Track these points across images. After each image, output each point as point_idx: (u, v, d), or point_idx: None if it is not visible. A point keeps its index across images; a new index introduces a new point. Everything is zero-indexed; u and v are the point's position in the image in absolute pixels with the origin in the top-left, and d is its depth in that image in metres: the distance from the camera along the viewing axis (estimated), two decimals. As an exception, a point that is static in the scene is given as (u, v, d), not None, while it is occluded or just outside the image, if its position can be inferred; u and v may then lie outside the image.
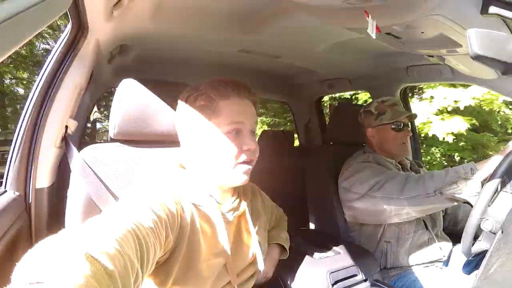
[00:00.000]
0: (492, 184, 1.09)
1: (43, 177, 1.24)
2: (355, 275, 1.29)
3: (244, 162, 0.96)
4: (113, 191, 1.16)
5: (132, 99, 1.17)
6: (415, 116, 1.81)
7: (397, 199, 1.43)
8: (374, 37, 1.03)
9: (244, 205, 1.07)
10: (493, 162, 1.25)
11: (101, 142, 1.23)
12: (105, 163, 1.19)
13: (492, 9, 0.89)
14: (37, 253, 0.49)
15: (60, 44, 1.22)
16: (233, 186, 1.04)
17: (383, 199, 1.48)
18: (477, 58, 0.73)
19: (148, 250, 0.68)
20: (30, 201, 1.21)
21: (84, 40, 1.23)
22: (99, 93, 2.11)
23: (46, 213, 1.25)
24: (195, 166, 1.02)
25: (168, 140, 1.23)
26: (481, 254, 1.14)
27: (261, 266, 1.05)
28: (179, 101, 1.02)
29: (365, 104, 1.92)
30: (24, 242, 1.18)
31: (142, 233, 0.68)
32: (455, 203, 1.37)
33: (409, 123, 1.77)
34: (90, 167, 1.17)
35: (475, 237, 1.11)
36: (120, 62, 1.80)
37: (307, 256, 1.35)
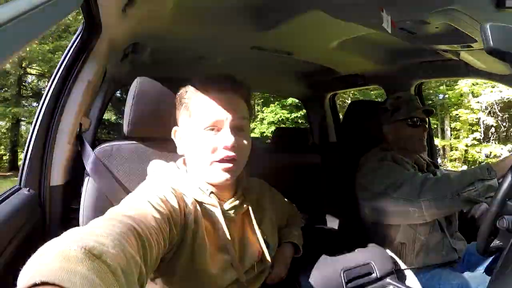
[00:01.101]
0: (508, 182, 1.09)
1: (57, 175, 1.27)
2: (369, 273, 1.30)
3: (222, 160, 0.95)
4: (127, 188, 1.20)
5: (145, 96, 1.20)
6: (431, 111, 1.78)
7: (414, 201, 1.44)
8: (389, 32, 1.04)
9: (247, 203, 1.09)
10: (510, 161, 1.26)
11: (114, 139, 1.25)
12: (118, 161, 1.22)
13: (509, 3, 0.90)
14: (40, 254, 0.50)
15: (74, 43, 1.26)
16: (217, 184, 1.00)
17: (399, 200, 1.49)
18: (493, 52, 0.74)
19: (151, 246, 0.69)
20: (44, 198, 1.24)
21: (98, 38, 1.26)
22: (112, 91, 2.15)
23: (60, 211, 1.28)
24: (188, 164, 1.05)
25: None
26: (497, 253, 1.15)
27: (268, 262, 1.08)
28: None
29: (381, 101, 1.92)
30: (38, 240, 1.19)
31: (144, 230, 0.69)
32: (473, 205, 1.37)
33: (426, 118, 1.75)
34: (103, 165, 1.20)
35: (492, 236, 1.12)
36: (134, 60, 1.83)
37: (320, 254, 1.36)
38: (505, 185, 1.09)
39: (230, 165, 0.95)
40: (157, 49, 1.81)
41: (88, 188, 1.19)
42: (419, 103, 1.75)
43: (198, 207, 0.96)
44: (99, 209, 1.16)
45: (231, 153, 0.94)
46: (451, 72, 2.02)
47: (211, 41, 1.75)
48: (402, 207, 1.49)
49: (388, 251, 1.54)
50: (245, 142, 0.99)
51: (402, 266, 1.58)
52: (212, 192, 0.99)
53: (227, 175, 0.96)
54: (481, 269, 1.48)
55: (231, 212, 1.03)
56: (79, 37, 1.25)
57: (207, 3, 1.36)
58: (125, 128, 1.22)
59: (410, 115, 1.68)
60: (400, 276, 1.53)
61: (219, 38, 1.69)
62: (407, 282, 1.52)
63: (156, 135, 1.25)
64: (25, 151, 1.22)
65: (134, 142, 1.26)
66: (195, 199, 0.97)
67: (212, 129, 0.95)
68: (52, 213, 1.27)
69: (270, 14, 1.47)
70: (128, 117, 1.20)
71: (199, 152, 0.96)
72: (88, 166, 1.20)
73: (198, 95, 0.98)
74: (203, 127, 0.95)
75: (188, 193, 0.97)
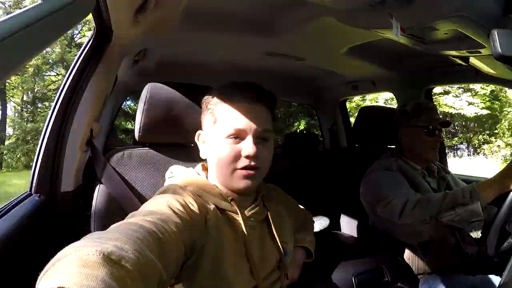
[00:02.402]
0: None
1: (68, 181, 1.29)
2: (380, 278, 1.33)
3: (243, 168, 0.97)
4: (138, 193, 1.24)
5: (157, 102, 1.24)
6: (449, 123, 1.81)
7: (393, 224, 1.46)
8: (398, 38, 1.07)
9: (266, 210, 1.11)
10: (495, 182, 1.28)
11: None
12: (129, 166, 1.26)
13: (517, 9, 0.93)
14: (58, 259, 0.51)
15: (85, 49, 1.29)
16: (239, 191, 1.03)
17: (382, 220, 1.53)
18: (501, 58, 0.78)
19: (171, 252, 0.71)
20: (55, 204, 1.26)
21: (109, 44, 1.29)
22: (123, 97, 2.21)
23: (71, 217, 1.31)
24: (210, 170, 1.08)
25: (192, 143, 1.26)
26: (508, 255, 1.18)
27: (285, 269, 1.11)
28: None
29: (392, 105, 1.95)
30: (49, 246, 1.21)
31: (164, 235, 0.70)
32: (455, 230, 1.36)
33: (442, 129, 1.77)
34: (115, 170, 1.24)
35: (502, 240, 1.16)
36: (144, 65, 1.87)
37: (332, 259, 1.38)
38: None
39: (252, 171, 0.98)
40: (167, 55, 1.86)
41: (99, 194, 1.22)
42: (438, 114, 1.79)
43: (219, 214, 0.98)
44: (110, 215, 1.20)
45: (253, 162, 0.97)
46: (460, 78, 2.06)
47: (222, 47, 1.80)
48: (385, 225, 1.51)
49: (399, 255, 1.56)
50: (267, 152, 1.01)
51: (414, 270, 1.61)
52: (233, 199, 1.02)
53: (248, 182, 0.99)
54: (492, 272, 1.49)
55: (252, 219, 1.06)
56: (90, 43, 1.29)
57: (217, 10, 1.41)
58: (136, 134, 1.26)
59: (429, 124, 1.71)
60: (411, 280, 1.55)
61: (230, 44, 1.74)
62: (419, 287, 1.55)
63: (167, 140, 1.29)
64: (36, 157, 1.24)
65: (145, 147, 1.30)
66: (216, 206, 0.99)
67: (236, 137, 0.97)
68: (63, 219, 1.28)
69: (281, 20, 1.52)
70: (139, 122, 1.24)
71: (221, 159, 0.98)
72: (99, 172, 1.23)
73: (223, 103, 1.00)
74: (227, 134, 0.97)
75: (209, 199, 0.99)
